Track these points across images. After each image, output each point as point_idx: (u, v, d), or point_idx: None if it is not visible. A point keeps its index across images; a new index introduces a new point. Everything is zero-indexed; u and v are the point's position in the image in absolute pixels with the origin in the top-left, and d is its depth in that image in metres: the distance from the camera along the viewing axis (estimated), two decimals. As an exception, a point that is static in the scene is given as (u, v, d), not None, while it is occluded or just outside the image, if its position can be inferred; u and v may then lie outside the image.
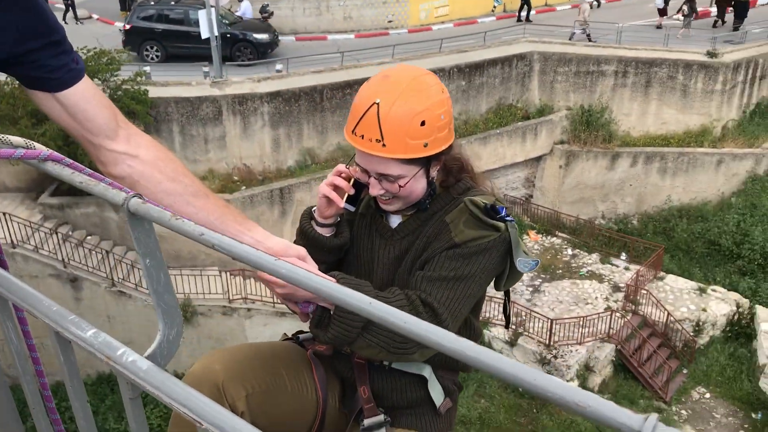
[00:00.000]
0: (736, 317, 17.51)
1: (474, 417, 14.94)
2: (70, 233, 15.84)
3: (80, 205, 16.05)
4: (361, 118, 1.80)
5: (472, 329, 2.04)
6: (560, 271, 19.16)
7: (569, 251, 20.05)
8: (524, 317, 16.69)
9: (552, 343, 16.01)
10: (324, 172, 17.12)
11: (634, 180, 20.77)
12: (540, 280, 18.72)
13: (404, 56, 20.21)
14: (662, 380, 16.13)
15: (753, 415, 15.35)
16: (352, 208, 1.99)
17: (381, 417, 1.98)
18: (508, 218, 1.87)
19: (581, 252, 19.93)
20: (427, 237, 1.92)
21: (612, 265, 19.28)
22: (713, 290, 17.99)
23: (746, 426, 15.21)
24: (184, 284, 15.24)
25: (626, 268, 18.94)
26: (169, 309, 1.08)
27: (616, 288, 18.24)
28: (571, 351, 15.97)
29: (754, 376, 16.08)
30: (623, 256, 19.54)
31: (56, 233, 15.39)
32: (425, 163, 1.86)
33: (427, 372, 1.97)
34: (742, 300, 17.68)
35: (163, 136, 17.02)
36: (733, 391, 16.12)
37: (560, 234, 20.73)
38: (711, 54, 20.25)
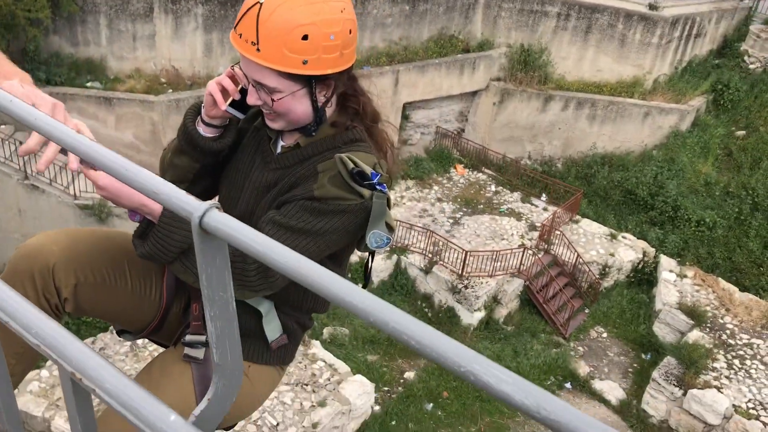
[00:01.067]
0: (641, 265, 18.37)
1: (383, 337, 15.39)
2: (-18, 120, 15.13)
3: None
4: (243, 16, 1.72)
5: None
6: (481, 206, 19.58)
7: (492, 188, 20.46)
8: (441, 247, 17.08)
9: (465, 273, 16.49)
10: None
11: (563, 124, 21.15)
12: (461, 213, 19.10)
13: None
14: (564, 317, 16.92)
15: (643, 356, 16.34)
16: (237, 114, 1.92)
17: (203, 337, 1.96)
18: (378, 186, 1.78)
19: (504, 189, 20.37)
20: (297, 177, 1.85)
21: (532, 204, 19.81)
22: (624, 237, 18.77)
23: (635, 365, 16.20)
24: None
25: (545, 209, 19.50)
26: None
27: (532, 227, 18.80)
28: (482, 283, 16.51)
29: (649, 321, 17.03)
30: (543, 197, 20.08)
31: (-34, 118, 14.66)
32: (307, 83, 1.77)
33: (265, 308, 1.94)
34: (649, 249, 18.53)
35: (89, 27, 16.23)
36: (628, 333, 17.07)
37: (486, 170, 21.08)
38: (652, 6, 20.48)
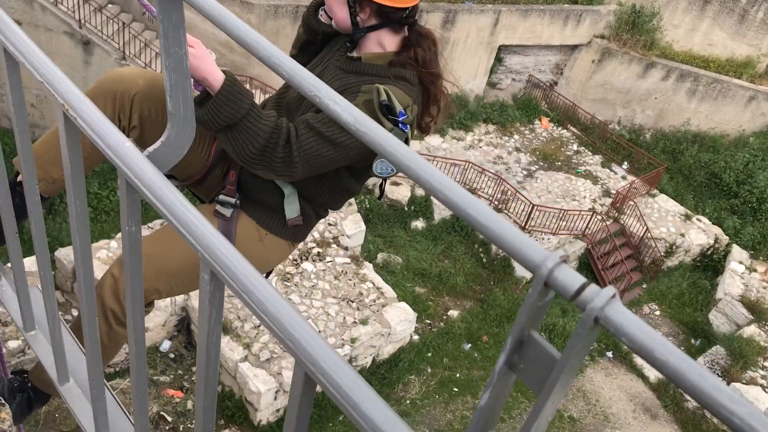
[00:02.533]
0: (710, 250, 17.82)
1: (434, 273, 15.58)
2: (91, -4, 15.66)
3: None
4: None
5: (340, 183, 2.23)
6: (559, 163, 19.23)
7: (574, 147, 20.02)
8: (509, 196, 16.96)
9: (528, 227, 16.39)
10: None
11: (660, 94, 20.32)
12: (537, 167, 18.84)
13: None
14: (620, 287, 16.68)
15: (692, 341, 16.05)
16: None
17: (233, 199, 2.21)
18: (401, 125, 1.98)
19: (586, 151, 19.91)
20: (345, 86, 2.09)
21: (611, 170, 19.33)
22: (698, 219, 18.18)
23: (682, 348, 15.93)
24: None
25: (623, 177, 19.01)
26: None
27: (606, 193, 18.40)
28: (543, 239, 16.38)
29: (707, 308, 16.63)
30: (625, 165, 19.54)
31: (77, -8, 15.21)
32: None
33: (288, 190, 2.19)
34: (722, 236, 17.91)
35: None
36: (682, 315, 16.74)
37: (572, 128, 20.58)
38: (783, -15, 19.17)
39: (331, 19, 2.23)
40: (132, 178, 0.86)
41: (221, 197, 2.21)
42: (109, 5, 16.03)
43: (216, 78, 1.90)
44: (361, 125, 0.70)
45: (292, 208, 2.22)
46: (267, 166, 1.98)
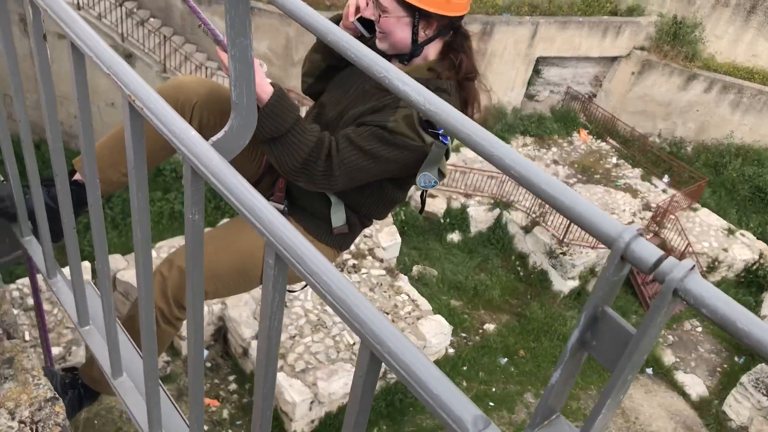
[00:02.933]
0: (755, 266, 17.41)
1: (469, 286, 15.50)
2: (135, 10, 16.02)
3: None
4: None
5: (384, 194, 2.24)
6: (598, 176, 19.02)
7: (614, 159, 19.78)
8: (546, 209, 16.82)
9: (566, 240, 16.21)
10: None
11: (702, 106, 19.99)
12: (575, 180, 18.66)
13: None
14: (660, 303, 16.37)
15: (736, 358, 15.66)
16: (363, 30, 2.23)
17: (281, 205, 2.27)
18: (441, 138, 2.00)
19: (625, 163, 19.66)
20: (383, 104, 2.07)
21: (651, 184, 19.05)
22: (742, 234, 17.78)
23: (725, 366, 15.56)
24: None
25: (664, 191, 18.71)
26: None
27: (647, 207, 18.12)
28: (581, 252, 16.19)
29: (750, 325, 16.22)
30: (665, 178, 19.24)
31: (121, 6, 15.58)
32: (412, 12, 2.01)
33: (334, 199, 2.22)
34: (767, 251, 17.48)
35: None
36: (725, 333, 16.32)
37: (611, 140, 20.35)
38: (830, -5, 18.77)
39: (366, 36, 2.22)
40: (198, 165, 0.88)
41: (270, 203, 2.24)
42: (151, 19, 16.38)
43: (265, 90, 1.92)
44: (431, 104, 0.71)
45: (338, 217, 2.25)
46: (308, 178, 2.02)
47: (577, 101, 21.09)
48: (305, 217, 2.27)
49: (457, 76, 2.11)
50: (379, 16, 2.05)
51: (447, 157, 2.07)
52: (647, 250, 0.62)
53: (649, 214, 17.77)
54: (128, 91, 0.94)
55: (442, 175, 2.07)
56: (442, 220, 16.65)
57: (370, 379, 0.74)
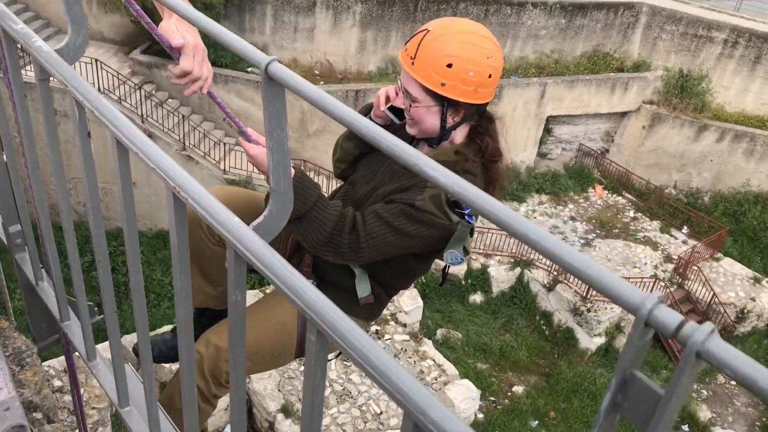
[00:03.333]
0: (784, 314, 17.09)
1: (495, 348, 15.32)
2: (154, 92, 16.53)
3: (167, 66, 16.66)
4: (412, 37, 2.13)
5: (407, 267, 2.31)
6: (617, 230, 18.96)
7: (631, 213, 19.76)
8: (567, 266, 16.70)
9: (589, 296, 16.07)
10: (403, 83, 17.20)
11: (716, 156, 20.05)
12: (594, 235, 18.61)
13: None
14: (690, 357, 16.04)
15: (773, 411, 15.22)
16: (394, 118, 2.34)
17: (311, 281, 2.36)
18: (467, 218, 2.11)
19: (643, 216, 19.62)
20: (411, 183, 2.16)
21: (671, 235, 18.94)
22: (768, 282, 17.54)
23: (764, 419, 15.11)
24: (246, 161, 15.83)
25: (684, 242, 18.59)
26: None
27: (668, 258, 17.98)
28: (606, 308, 16.01)
29: (785, 375, 15.80)
30: (685, 229, 19.14)
31: (141, 89, 16.09)
32: (441, 102, 2.10)
33: (358, 271, 2.31)
34: (795, 299, 17.19)
35: (256, 16, 17.32)
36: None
37: (627, 194, 20.38)
38: (834, 41, 18.98)
39: (397, 122, 2.33)
40: (241, 249, 0.94)
41: None
42: (170, 100, 16.87)
43: None
44: (458, 186, 0.77)
45: (363, 288, 2.32)
46: (335, 251, 2.10)
47: (590, 157, 21.23)
48: (332, 291, 2.34)
49: (482, 159, 2.22)
50: (410, 105, 2.15)
51: (471, 235, 2.16)
52: (669, 316, 0.67)
53: (671, 266, 17.61)
54: (173, 183, 1.01)
55: (466, 252, 2.16)
56: (463, 282, 16.60)
57: (415, 449, 0.78)
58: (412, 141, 2.32)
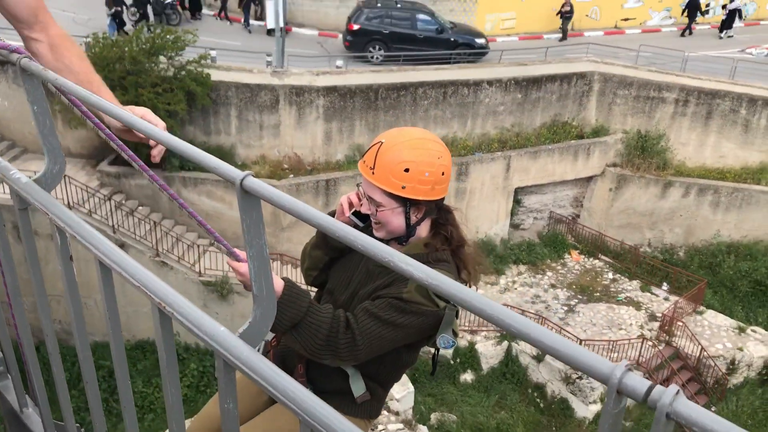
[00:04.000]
0: (774, 361, 17.07)
1: (492, 426, 15.00)
2: (123, 202, 16.56)
3: (135, 176, 16.75)
4: (369, 149, 2.32)
5: (399, 359, 2.40)
6: (597, 294, 19.02)
7: (610, 275, 19.88)
8: (554, 334, 16.63)
9: (579, 363, 15.91)
10: (371, 169, 17.46)
11: (684, 211, 20.44)
12: (576, 301, 18.63)
13: (462, 65, 20.44)
14: (688, 414, 15.84)
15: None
16: (358, 222, 2.49)
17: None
18: (452, 303, 2.17)
19: (622, 277, 19.74)
20: (392, 279, 2.28)
21: (652, 294, 19.04)
22: (753, 331, 17.59)
23: (770, 472, 14.85)
24: (225, 262, 15.76)
25: (666, 299, 18.68)
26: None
27: (652, 317, 18.01)
28: (597, 373, 15.84)
29: (785, 423, 15.68)
30: (665, 286, 19.27)
31: (110, 200, 16.11)
32: (404, 203, 2.28)
33: (351, 371, 2.38)
34: (782, 344, 17.22)
35: (220, 119, 17.63)
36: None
37: (603, 257, 20.56)
38: (778, 91, 19.80)
39: (360, 225, 2.46)
40: (230, 357, 0.94)
41: None
42: (140, 207, 16.89)
43: (276, 284, 2.09)
44: (434, 279, 0.79)
45: (358, 386, 2.39)
46: (333, 353, 2.16)
47: (562, 224, 21.51)
48: (330, 397, 2.33)
49: (450, 247, 2.40)
50: (376, 210, 2.30)
51: (457, 317, 2.29)
52: (638, 383, 0.71)
53: (656, 325, 17.62)
54: (158, 299, 1.02)
55: (455, 334, 2.29)
56: (452, 362, 16.39)
57: None
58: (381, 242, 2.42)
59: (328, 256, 2.55)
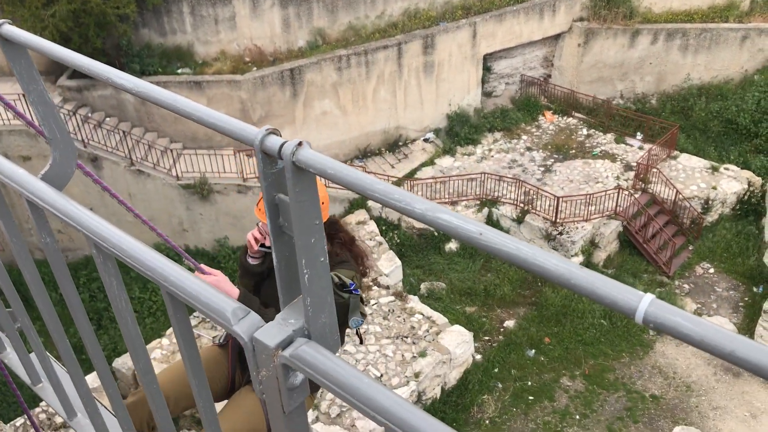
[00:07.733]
0: (747, 195, 17.57)
1: (479, 289, 15.59)
2: (90, 115, 16.30)
3: (97, 87, 16.40)
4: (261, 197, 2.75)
5: None
6: (573, 151, 19.24)
7: (584, 131, 20.03)
8: (532, 195, 16.99)
9: (558, 220, 16.37)
10: (335, 51, 17.11)
11: (654, 58, 20.33)
12: (552, 161, 18.87)
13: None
14: (667, 256, 16.50)
15: (754, 289, 15.74)
16: (265, 250, 3.19)
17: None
18: (354, 291, 2.97)
19: (596, 132, 19.90)
20: None
21: (626, 144, 19.28)
22: (726, 168, 17.97)
23: (746, 299, 15.64)
24: (201, 163, 15.74)
25: (640, 148, 18.93)
26: None
27: (628, 167, 18.32)
28: (577, 228, 16.34)
29: (759, 252, 16.33)
30: (638, 135, 19.48)
31: (76, 115, 15.86)
32: None
33: None
34: (754, 178, 17.67)
35: (174, 17, 17.05)
36: (736, 266, 16.45)
37: (576, 114, 20.62)
38: None
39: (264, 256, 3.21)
40: (35, 199, 1.06)
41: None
42: (107, 119, 16.65)
43: (233, 293, 2.84)
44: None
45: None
46: None
47: (535, 86, 21.40)
48: None
49: (347, 248, 3.19)
50: None
51: (363, 303, 3.02)
52: (273, 142, 0.89)
53: (631, 174, 17.97)
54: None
55: (363, 315, 3.01)
56: (435, 233, 16.78)
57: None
58: None
59: (254, 281, 3.24)
